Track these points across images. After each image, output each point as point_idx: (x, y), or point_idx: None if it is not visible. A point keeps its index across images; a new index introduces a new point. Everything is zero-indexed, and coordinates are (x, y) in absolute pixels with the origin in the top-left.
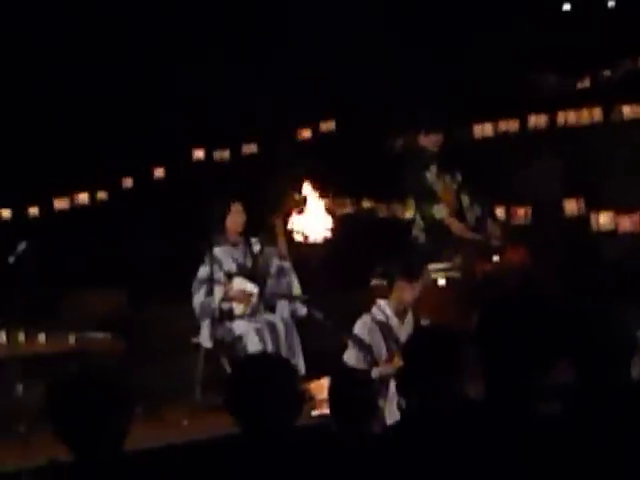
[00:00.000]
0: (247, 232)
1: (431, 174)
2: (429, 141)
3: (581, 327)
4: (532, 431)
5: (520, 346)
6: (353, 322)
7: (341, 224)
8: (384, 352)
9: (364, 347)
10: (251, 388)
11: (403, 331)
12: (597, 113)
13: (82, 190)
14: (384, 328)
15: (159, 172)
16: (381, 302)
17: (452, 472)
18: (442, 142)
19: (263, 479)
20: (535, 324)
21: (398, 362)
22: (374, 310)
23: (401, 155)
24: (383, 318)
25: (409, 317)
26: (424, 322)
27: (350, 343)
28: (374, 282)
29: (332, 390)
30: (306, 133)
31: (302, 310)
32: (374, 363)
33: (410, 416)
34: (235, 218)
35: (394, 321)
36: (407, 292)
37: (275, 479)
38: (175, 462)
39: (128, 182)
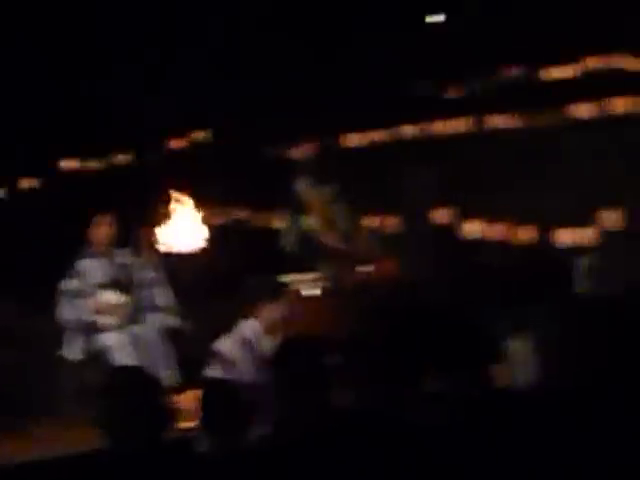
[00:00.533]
0: (117, 244)
1: (304, 185)
2: (302, 152)
3: (448, 335)
4: (402, 440)
5: (391, 355)
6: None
7: (215, 234)
8: (251, 370)
9: (226, 365)
10: (117, 402)
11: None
12: (467, 123)
13: None
14: (251, 347)
15: (27, 182)
16: (250, 320)
17: None
18: (315, 153)
19: None
20: (408, 333)
21: None
22: (243, 327)
23: (275, 165)
24: (251, 336)
25: (279, 337)
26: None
27: (212, 358)
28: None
29: (203, 402)
30: (179, 143)
31: (173, 322)
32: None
33: (280, 428)
34: (103, 230)
35: (263, 340)
36: (273, 311)
37: None
38: (43, 477)
39: None
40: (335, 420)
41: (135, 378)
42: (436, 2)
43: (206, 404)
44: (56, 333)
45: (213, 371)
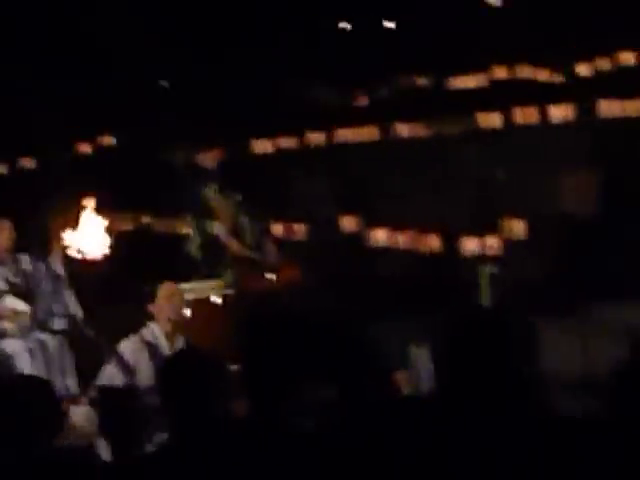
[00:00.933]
0: (18, 249)
1: (210, 191)
2: (208, 158)
3: (342, 343)
4: (291, 447)
5: (281, 362)
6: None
7: (120, 240)
8: (151, 375)
9: (126, 368)
10: (9, 412)
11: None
12: (373, 131)
13: None
14: (152, 350)
15: None
16: (151, 324)
17: None
18: (220, 159)
19: None
20: (297, 340)
21: None
22: (144, 331)
23: (180, 171)
24: (152, 340)
25: (180, 340)
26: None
27: (112, 361)
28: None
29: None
30: (85, 147)
31: (76, 328)
32: (133, 386)
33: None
34: (3, 235)
35: (164, 344)
36: (167, 312)
37: None
38: None
39: None
40: (229, 428)
41: (30, 387)
42: (344, 8)
43: (103, 412)
44: None
45: (108, 373)
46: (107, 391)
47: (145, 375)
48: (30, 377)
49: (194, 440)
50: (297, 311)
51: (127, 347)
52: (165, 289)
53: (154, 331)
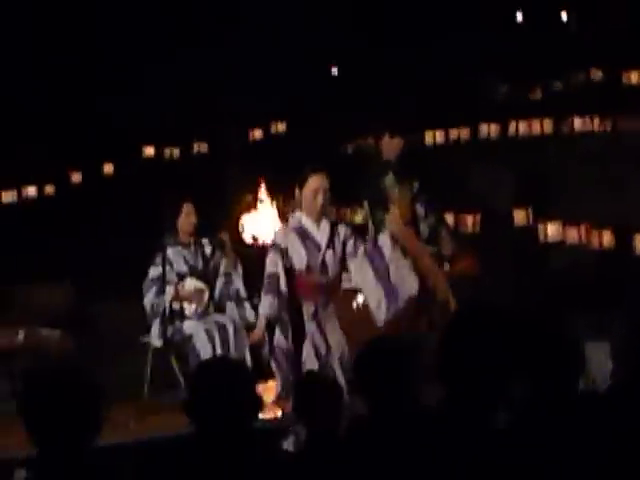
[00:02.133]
0: (198, 233)
1: (389, 180)
2: (390, 146)
3: (534, 339)
4: (489, 443)
5: (483, 357)
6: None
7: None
8: (304, 254)
9: (279, 250)
10: (210, 391)
11: (321, 234)
12: (548, 124)
13: (30, 184)
14: (300, 233)
15: (108, 168)
16: (297, 213)
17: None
18: (401, 148)
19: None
20: (496, 335)
21: None
22: (290, 220)
23: (356, 159)
24: (298, 225)
25: (324, 222)
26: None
27: (270, 251)
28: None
29: (298, 392)
30: (257, 133)
31: (250, 314)
32: (291, 268)
33: (372, 423)
34: (187, 219)
35: (310, 225)
36: (312, 204)
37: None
38: (125, 462)
39: (77, 177)
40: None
41: (230, 367)
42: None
43: (300, 395)
44: (140, 319)
45: (268, 261)
46: (272, 276)
47: (299, 256)
48: (230, 358)
49: (384, 428)
50: (489, 305)
51: (279, 234)
52: (314, 181)
53: (299, 219)
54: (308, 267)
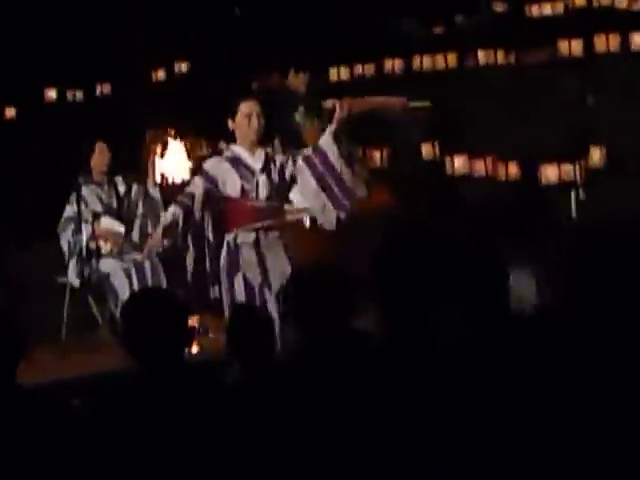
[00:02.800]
0: (112, 171)
1: (299, 115)
2: (297, 81)
3: (461, 260)
4: (428, 366)
5: (416, 278)
6: None
7: (198, 166)
8: (237, 179)
9: (207, 177)
10: (142, 320)
11: (255, 160)
12: (452, 58)
13: None
14: (234, 162)
15: (10, 112)
16: (231, 146)
17: (356, 406)
18: (308, 83)
19: (159, 413)
20: (427, 256)
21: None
22: (225, 152)
23: (266, 96)
24: (232, 155)
25: (259, 150)
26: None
27: (196, 176)
28: None
29: (230, 327)
30: (160, 74)
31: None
32: (226, 198)
33: (306, 353)
34: (100, 157)
35: (245, 155)
36: (247, 131)
37: (171, 412)
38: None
39: None
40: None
41: (163, 298)
42: None
43: (233, 330)
44: (57, 259)
45: (195, 185)
46: (187, 194)
47: (232, 182)
48: (164, 290)
49: (326, 356)
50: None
51: (210, 163)
52: (246, 107)
53: (233, 149)
54: (243, 192)
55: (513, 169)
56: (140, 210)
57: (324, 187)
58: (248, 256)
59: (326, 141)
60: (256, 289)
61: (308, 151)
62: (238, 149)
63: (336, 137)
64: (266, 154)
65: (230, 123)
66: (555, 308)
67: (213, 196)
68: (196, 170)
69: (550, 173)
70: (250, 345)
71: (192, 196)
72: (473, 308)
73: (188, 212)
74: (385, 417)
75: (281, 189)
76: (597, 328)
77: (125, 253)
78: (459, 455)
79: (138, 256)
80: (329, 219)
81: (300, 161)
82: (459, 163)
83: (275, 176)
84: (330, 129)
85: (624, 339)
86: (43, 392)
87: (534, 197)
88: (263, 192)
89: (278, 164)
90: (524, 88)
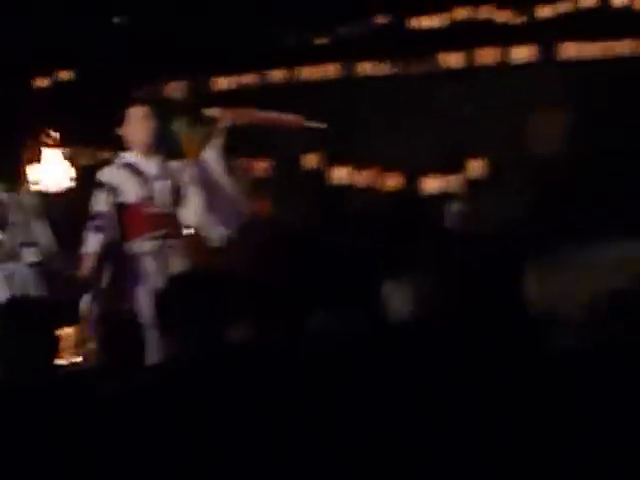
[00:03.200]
0: None
1: (178, 125)
2: (174, 90)
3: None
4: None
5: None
6: None
7: (81, 174)
8: (135, 187)
9: (106, 188)
10: (11, 329)
11: (150, 166)
12: (335, 69)
13: None
14: (132, 168)
15: None
16: (122, 153)
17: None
18: (188, 92)
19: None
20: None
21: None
22: (117, 159)
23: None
24: (128, 161)
25: (153, 157)
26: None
27: (97, 189)
28: None
29: (100, 331)
30: (43, 81)
31: (44, 259)
32: (123, 206)
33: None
34: None
35: (142, 161)
36: (140, 135)
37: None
38: None
39: None
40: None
41: (27, 308)
42: None
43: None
44: None
45: (96, 201)
46: (101, 215)
47: (129, 191)
48: (31, 298)
49: (202, 365)
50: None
51: (103, 172)
52: (136, 112)
53: (125, 156)
54: (142, 199)
55: (394, 180)
56: (13, 219)
57: (210, 205)
58: (148, 265)
59: (211, 156)
60: None
61: (193, 165)
62: (130, 155)
63: (221, 151)
64: (161, 160)
65: (120, 130)
66: (429, 317)
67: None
68: (79, 178)
69: (430, 184)
70: (119, 352)
71: (103, 215)
72: (347, 316)
73: (106, 232)
74: (254, 425)
75: (177, 197)
76: (468, 337)
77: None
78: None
79: (11, 266)
80: (217, 236)
81: (186, 177)
82: (341, 174)
83: (170, 183)
84: (215, 142)
85: (494, 347)
86: None
87: (413, 208)
88: (160, 199)
89: (173, 169)
90: (405, 99)
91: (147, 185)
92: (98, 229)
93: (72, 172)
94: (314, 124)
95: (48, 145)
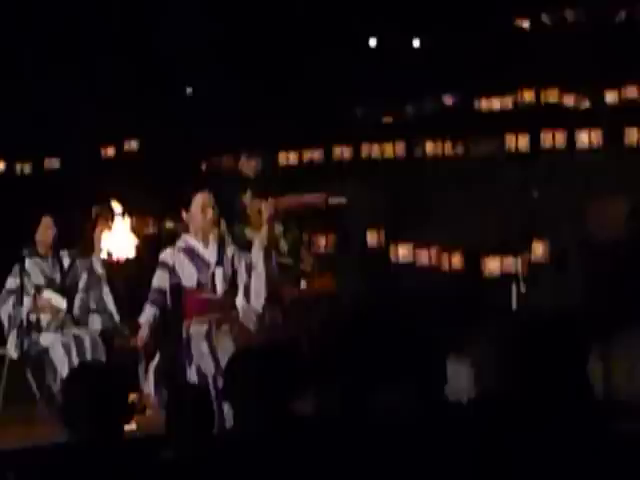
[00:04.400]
0: (57, 245)
1: (246, 198)
2: (248, 165)
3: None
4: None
5: (360, 362)
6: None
7: (145, 243)
8: (193, 272)
9: (167, 268)
10: (85, 396)
11: (209, 252)
12: (400, 147)
13: None
14: (189, 252)
15: None
16: (184, 235)
17: None
18: (259, 168)
19: None
20: (370, 342)
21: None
22: (178, 242)
23: (215, 177)
24: (186, 245)
25: (212, 241)
26: None
27: (157, 269)
28: None
29: (170, 404)
30: (110, 151)
31: (111, 326)
32: (181, 288)
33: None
34: (45, 232)
35: (199, 246)
36: (200, 222)
37: None
38: None
39: None
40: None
41: (105, 374)
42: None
43: (172, 407)
44: None
45: (155, 279)
46: (158, 291)
47: (188, 275)
48: (105, 365)
49: (267, 435)
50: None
51: (166, 254)
52: (200, 199)
53: (186, 239)
54: (199, 284)
55: (456, 259)
56: (83, 285)
57: (246, 295)
58: (201, 347)
59: (256, 254)
60: (209, 379)
61: (245, 254)
62: (192, 240)
63: (265, 248)
64: (219, 246)
65: (184, 214)
66: (491, 397)
67: (176, 288)
68: (141, 248)
69: (492, 265)
70: (188, 422)
71: (163, 292)
72: (409, 394)
73: (163, 308)
74: None
75: (234, 282)
76: (534, 416)
77: (66, 327)
78: None
79: (78, 331)
80: (253, 320)
81: (239, 264)
82: (404, 251)
83: (229, 268)
84: (260, 239)
85: (557, 428)
86: None
87: (475, 288)
88: (218, 284)
89: (230, 256)
90: (470, 179)
91: (204, 270)
92: (154, 303)
93: (137, 241)
94: (336, 200)
95: (117, 214)
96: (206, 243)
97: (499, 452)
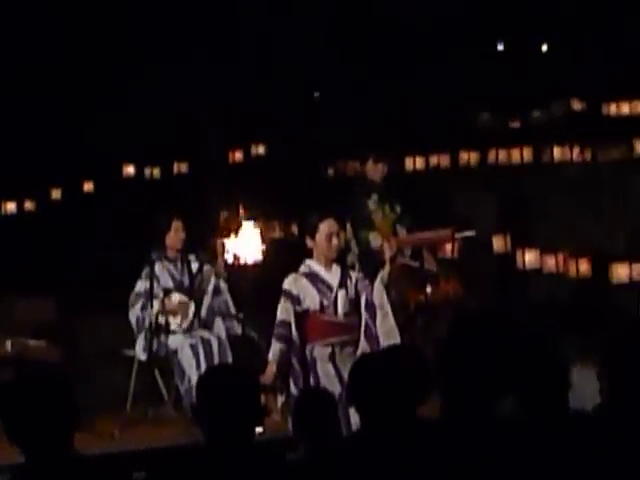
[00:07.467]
0: (186, 249)
1: (372, 202)
2: (375, 170)
3: (523, 356)
4: (483, 458)
5: (485, 370)
6: None
7: (271, 248)
8: (315, 294)
9: (291, 298)
10: (218, 397)
11: (332, 275)
12: (527, 153)
13: (10, 199)
14: (311, 278)
15: (88, 186)
16: (307, 261)
17: None
18: (386, 172)
19: None
20: (490, 349)
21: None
22: (301, 267)
23: (339, 181)
24: (309, 271)
25: (334, 267)
26: None
27: (281, 299)
28: None
29: (297, 408)
30: (238, 155)
31: (237, 329)
32: (305, 312)
33: (368, 435)
34: (176, 235)
35: (321, 271)
36: (325, 250)
37: None
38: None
39: (57, 193)
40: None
41: (237, 375)
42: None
43: (299, 411)
44: (124, 333)
45: (279, 310)
46: (283, 324)
47: (312, 301)
48: (237, 367)
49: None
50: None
51: (289, 281)
52: (326, 227)
53: (309, 265)
54: (321, 307)
55: (584, 266)
56: (210, 289)
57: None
58: (326, 369)
59: (379, 295)
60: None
61: (367, 281)
62: (315, 266)
63: (386, 285)
64: (342, 270)
65: (309, 241)
66: (618, 407)
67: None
68: (268, 252)
69: (621, 272)
70: (315, 426)
71: (287, 325)
72: (532, 402)
73: (288, 342)
74: None
75: (357, 306)
76: None
77: (193, 330)
78: None
79: (206, 333)
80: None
81: (361, 289)
82: (530, 257)
83: (352, 292)
84: (382, 275)
85: None
86: (105, 462)
87: (603, 295)
88: (340, 307)
89: (354, 280)
90: (598, 185)
91: (328, 294)
92: (280, 338)
93: (262, 246)
94: (464, 234)
95: (245, 219)
96: (329, 267)
97: (627, 461)
